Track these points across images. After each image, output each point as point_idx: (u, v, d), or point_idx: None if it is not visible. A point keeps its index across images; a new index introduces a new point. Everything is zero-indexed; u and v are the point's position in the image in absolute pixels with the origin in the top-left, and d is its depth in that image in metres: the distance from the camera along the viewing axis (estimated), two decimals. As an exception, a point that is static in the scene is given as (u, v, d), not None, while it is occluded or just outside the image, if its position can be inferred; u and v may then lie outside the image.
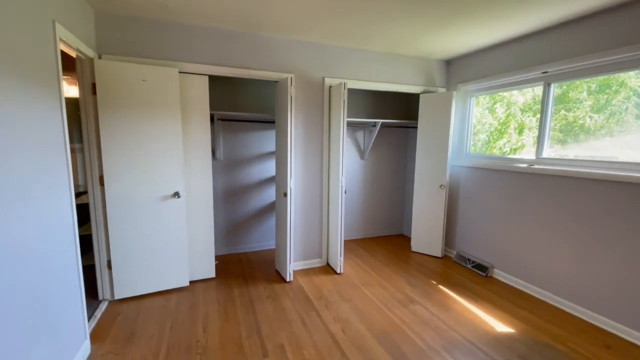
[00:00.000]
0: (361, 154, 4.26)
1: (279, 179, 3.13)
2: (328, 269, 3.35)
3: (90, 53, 2.28)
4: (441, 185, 3.60)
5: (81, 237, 2.94)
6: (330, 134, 3.28)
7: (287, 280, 3.03)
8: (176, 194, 2.68)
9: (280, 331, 2.26)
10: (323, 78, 3.18)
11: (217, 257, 3.58)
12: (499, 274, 3.17)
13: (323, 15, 2.44)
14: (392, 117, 4.30)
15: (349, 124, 4.08)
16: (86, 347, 1.99)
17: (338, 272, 3.24)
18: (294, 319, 2.41)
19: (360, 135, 4.22)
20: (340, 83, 3.01)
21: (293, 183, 3.16)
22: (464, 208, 3.57)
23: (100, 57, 2.43)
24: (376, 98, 4.22)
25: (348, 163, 4.19)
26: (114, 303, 2.58)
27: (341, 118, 3.01)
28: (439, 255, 3.72)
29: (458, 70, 3.62)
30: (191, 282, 2.95)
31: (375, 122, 3.92)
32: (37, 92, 1.59)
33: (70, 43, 1.95)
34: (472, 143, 3.60)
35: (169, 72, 2.56)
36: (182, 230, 2.76)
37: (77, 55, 2.22)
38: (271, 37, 2.92)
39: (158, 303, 2.59)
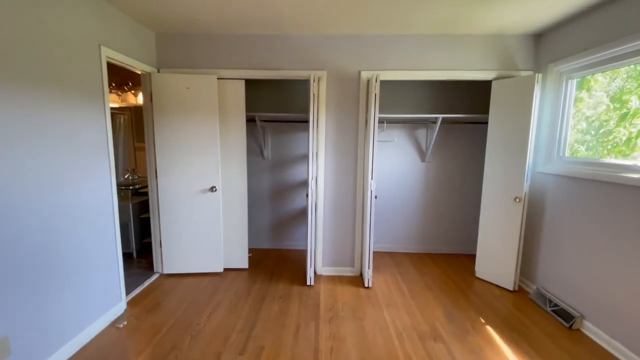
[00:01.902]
0: (422, 155, 3.71)
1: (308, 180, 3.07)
2: (358, 280, 3.07)
3: (148, 68, 2.80)
4: (516, 198, 2.76)
5: (145, 219, 3.62)
6: (367, 132, 3.00)
7: (308, 283, 2.93)
8: (212, 188, 2.99)
9: (269, 334, 2.21)
10: (359, 72, 2.93)
11: (260, 251, 3.80)
12: (590, 329, 2.21)
13: (351, 3, 2.24)
14: (461, 112, 3.57)
15: (407, 121, 3.63)
16: (121, 306, 2.45)
17: (366, 285, 2.92)
18: (290, 325, 2.32)
19: (421, 133, 3.68)
20: (373, 75, 2.70)
21: (316, 184, 3.05)
22: (550, 230, 2.64)
23: (159, 71, 2.94)
24: (439, 90, 3.59)
25: (405, 165, 3.72)
26: (163, 276, 3.08)
27: (372, 114, 2.71)
28: (510, 288, 2.87)
29: (549, 45, 2.69)
30: (225, 270, 3.23)
31: (436, 118, 3.35)
32: (87, 103, 2.06)
33: (122, 61, 2.45)
34: (568, 142, 2.62)
35: (208, 79, 2.87)
36: (217, 221, 3.05)
37: (141, 71, 2.76)
38: (300, 35, 2.89)
39: (191, 283, 2.95)
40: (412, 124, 3.66)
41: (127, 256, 3.52)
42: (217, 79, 2.93)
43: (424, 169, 3.73)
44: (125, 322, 2.31)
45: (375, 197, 2.96)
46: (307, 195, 2.86)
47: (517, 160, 2.75)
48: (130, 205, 3.43)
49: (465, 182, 3.72)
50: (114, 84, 3.62)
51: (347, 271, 3.19)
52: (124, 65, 2.51)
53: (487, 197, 3.02)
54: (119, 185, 3.81)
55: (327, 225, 3.14)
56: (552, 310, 2.46)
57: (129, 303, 2.58)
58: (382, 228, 3.82)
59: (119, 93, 3.60)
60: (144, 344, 2.08)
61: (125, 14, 2.47)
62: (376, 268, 3.35)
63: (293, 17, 2.48)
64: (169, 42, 2.92)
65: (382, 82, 3.54)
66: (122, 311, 2.45)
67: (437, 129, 3.41)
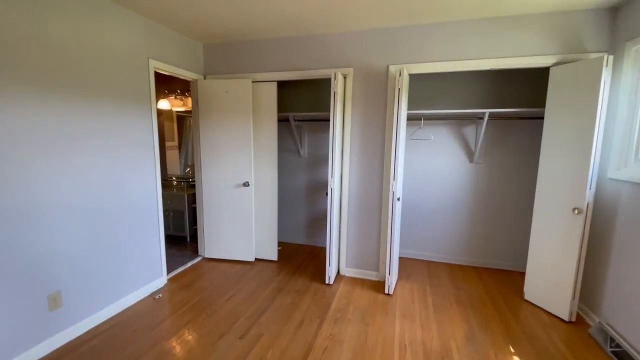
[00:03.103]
0: (470, 155, 3.31)
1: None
2: (381, 286, 2.93)
3: (195, 76, 3.19)
4: (575, 209, 2.26)
5: (195, 208, 4.06)
6: (392, 130, 2.83)
7: (326, 282, 2.93)
8: (246, 183, 3.24)
9: (273, 324, 2.30)
10: (387, 67, 2.79)
11: (293, 246, 3.93)
12: (661, 388, 1.67)
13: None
14: (522, 105, 3.06)
15: (450, 117, 3.30)
16: (162, 281, 2.87)
17: (386, 292, 2.77)
18: (295, 319, 2.37)
19: (469, 131, 3.29)
20: (398, 69, 2.55)
21: (341, 183, 3.01)
22: (621, 252, 2.09)
23: (205, 78, 3.32)
24: (492, 81, 3.14)
25: (450, 166, 3.37)
26: (204, 260, 3.47)
27: (396, 111, 2.55)
28: (565, 317, 2.36)
29: (629, 19, 2.12)
30: (256, 259, 3.45)
31: (483, 113, 2.96)
32: (143, 105, 2.49)
33: (171, 71, 2.85)
34: (653, 141, 2.03)
35: (244, 83, 3.12)
36: (250, 214, 3.29)
37: (190, 79, 3.17)
38: (326, 34, 2.89)
39: (224, 268, 3.25)
40: (459, 121, 3.30)
41: (181, 239, 4.07)
42: (252, 82, 3.16)
43: (472, 171, 3.33)
44: (160, 295, 2.70)
45: (398, 199, 2.76)
46: (326, 194, 2.86)
47: (577, 163, 2.25)
48: (186, 195, 3.96)
49: (523, 187, 3.18)
50: (178, 91, 4.22)
51: (371, 275, 3.07)
52: (172, 74, 2.92)
53: (540, 206, 2.54)
54: (179, 178, 4.42)
55: (351, 226, 3.08)
56: (612, 352, 1.94)
57: (170, 279, 3.00)
58: (419, 234, 3.55)
59: (182, 98, 4.17)
60: (167, 315, 2.40)
61: (175, 30, 2.87)
62: (405, 275, 3.14)
63: (317, 18, 2.51)
64: (213, 52, 3.27)
65: (418, 76, 3.31)
66: (162, 285, 2.87)
67: (484, 126, 3.00)
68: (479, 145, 3.15)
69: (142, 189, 2.61)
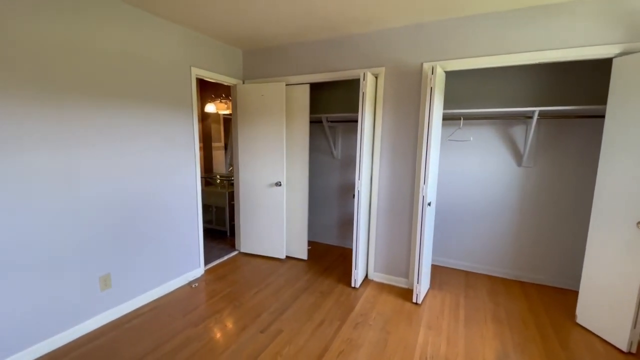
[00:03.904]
0: (518, 158, 3.01)
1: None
2: (409, 293, 2.81)
3: (235, 81, 3.39)
4: (639, 223, 1.93)
5: (233, 205, 4.28)
6: (424, 131, 2.69)
7: (352, 285, 2.90)
8: (278, 183, 3.35)
9: (293, 322, 2.35)
10: (421, 64, 2.67)
11: (325, 247, 3.95)
12: None
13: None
14: (584, 103, 2.69)
15: (495, 117, 3.04)
16: (199, 271, 3.10)
17: (414, 300, 2.65)
18: (315, 319, 2.39)
19: (517, 131, 2.99)
20: (430, 67, 2.42)
21: (370, 186, 2.94)
22: (700, 278, 1.73)
23: (243, 83, 3.51)
24: (547, 76, 2.81)
25: (494, 170, 3.10)
26: (240, 254, 3.66)
27: (427, 111, 2.43)
28: (623, 348, 2.03)
29: None
30: (287, 257, 3.55)
31: (532, 112, 2.68)
32: (185, 109, 2.74)
33: (211, 77, 3.08)
34: None
35: (278, 86, 3.23)
36: (281, 213, 3.40)
37: (230, 84, 3.38)
38: (358, 34, 2.86)
39: (257, 263, 3.40)
40: (505, 120, 3.02)
41: (222, 233, 4.35)
42: (286, 85, 3.26)
43: (521, 175, 3.02)
44: (197, 284, 2.92)
45: (429, 204, 2.60)
46: (353, 196, 2.83)
47: (645, 168, 1.92)
48: (227, 193, 4.22)
49: (579, 194, 2.80)
50: (223, 95, 4.51)
51: (400, 282, 2.96)
52: (213, 80, 3.14)
53: (598, 218, 2.21)
54: (223, 176, 4.71)
55: (381, 230, 3.00)
56: (684, 399, 1.61)
57: (207, 270, 3.23)
58: (457, 242, 3.32)
59: (227, 102, 4.46)
60: (200, 304, 2.59)
61: (216, 39, 3.08)
62: (438, 285, 2.96)
63: (350, 18, 2.51)
64: (251, 57, 3.44)
65: (458, 73, 3.10)
66: (199, 275, 3.10)
67: (533, 125, 2.71)
68: (527, 146, 2.84)
69: (183, 187, 2.86)
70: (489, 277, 3.15)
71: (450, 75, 3.14)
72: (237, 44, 3.26)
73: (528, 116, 2.85)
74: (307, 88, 3.24)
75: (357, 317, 2.44)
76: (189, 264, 2.99)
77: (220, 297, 2.69)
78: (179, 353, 2.00)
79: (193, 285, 2.90)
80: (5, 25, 1.69)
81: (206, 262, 3.34)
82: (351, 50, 2.92)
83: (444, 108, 3.17)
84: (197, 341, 2.11)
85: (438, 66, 2.42)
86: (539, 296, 2.77)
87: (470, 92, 3.10)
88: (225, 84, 3.35)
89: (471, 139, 3.13)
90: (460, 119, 3.07)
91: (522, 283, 3.02)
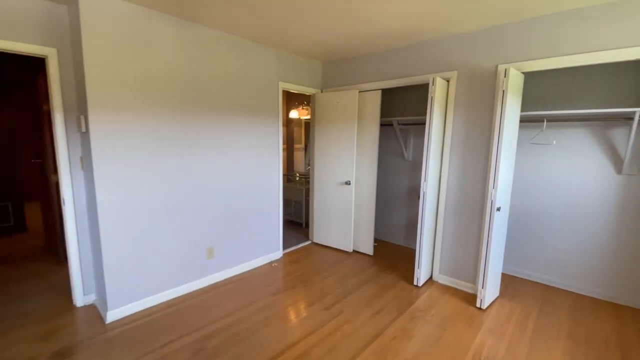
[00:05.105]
0: (618, 164, 2.66)
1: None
2: (474, 298, 2.77)
3: (314, 90, 3.83)
4: None
5: (308, 200, 4.71)
6: (496, 134, 2.62)
7: (414, 283, 3.00)
8: (347, 182, 3.65)
9: (354, 306, 2.62)
10: (496, 67, 2.62)
11: (391, 246, 4.07)
12: None
13: None
14: None
15: (588, 118, 2.75)
16: (279, 254, 3.63)
17: (477, 305, 2.62)
18: (374, 307, 2.61)
19: (616, 134, 2.65)
20: (503, 69, 2.39)
21: (438, 188, 2.98)
22: None
23: (322, 92, 3.92)
24: (664, 70, 2.41)
25: (586, 177, 2.80)
26: (312, 244, 4.09)
27: (498, 114, 2.40)
28: None
29: None
30: (354, 251, 3.81)
31: (632, 112, 2.37)
32: (273, 117, 3.30)
33: (294, 89, 3.57)
34: None
35: (351, 94, 3.54)
36: (350, 209, 3.69)
37: (310, 93, 3.84)
38: (430, 40, 2.95)
39: (326, 253, 3.76)
40: (602, 122, 2.70)
41: (299, 225, 4.87)
42: (359, 92, 3.54)
43: (621, 184, 2.66)
44: (276, 264, 3.44)
45: (498, 210, 2.51)
46: (418, 197, 2.93)
47: None
48: (304, 189, 4.71)
49: None
50: (305, 102, 5.04)
51: (466, 286, 2.93)
52: (296, 91, 3.64)
53: None
54: (301, 174, 5.24)
55: (447, 233, 3.01)
56: None
57: (285, 254, 3.74)
58: (538, 253, 3.08)
59: (308, 108, 4.96)
60: (277, 280, 3.08)
61: (300, 55, 3.56)
62: (510, 295, 2.83)
63: (423, 26, 2.66)
64: (329, 68, 3.82)
65: (540, 73, 2.89)
66: (278, 257, 3.62)
67: (634, 128, 2.38)
68: (629, 152, 2.50)
69: (268, 182, 3.40)
70: (575, 295, 2.84)
71: (533, 75, 2.95)
72: (317, 58, 3.68)
73: (629, 117, 2.50)
74: (378, 94, 3.45)
75: (415, 311, 2.56)
76: (270, 247, 3.53)
77: (294, 277, 3.14)
78: (259, 314, 2.48)
79: (273, 265, 3.42)
80: (151, 59, 2.41)
81: (284, 247, 3.86)
82: (422, 55, 3.02)
83: (525, 110, 2.99)
84: (273, 308, 2.57)
85: (512, 68, 2.37)
86: (634, 320, 2.41)
87: (557, 93, 2.86)
88: (307, 93, 3.81)
89: (554, 142, 2.88)
90: (543, 121, 2.86)
91: (616, 305, 2.65)
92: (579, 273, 2.88)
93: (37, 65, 3.51)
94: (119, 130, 2.26)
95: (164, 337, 2.18)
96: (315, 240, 4.09)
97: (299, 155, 5.46)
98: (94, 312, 2.46)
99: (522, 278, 3.18)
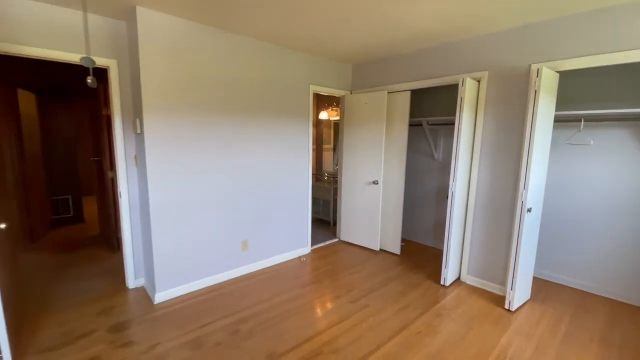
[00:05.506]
0: (664, 167, 2.52)
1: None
2: (504, 301, 2.74)
3: (343, 92, 3.95)
4: None
5: (336, 199, 4.82)
6: (531, 134, 2.58)
7: (441, 283, 3.01)
8: (375, 181, 3.73)
9: (380, 301, 2.70)
10: (529, 66, 2.59)
11: (419, 246, 4.08)
12: None
13: None
14: None
15: (631, 118, 2.62)
16: (307, 249, 3.79)
17: (506, 307, 2.59)
18: (400, 303, 2.67)
19: (663, 135, 2.51)
20: (535, 69, 2.36)
21: (468, 189, 2.97)
22: None
23: (351, 93, 4.02)
24: None
25: (627, 179, 2.67)
26: (339, 241, 4.21)
27: (530, 114, 2.38)
28: None
29: None
30: (381, 250, 3.88)
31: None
32: (303, 119, 3.47)
33: (324, 92, 3.71)
34: None
35: (380, 95, 3.61)
36: (377, 208, 3.76)
37: (339, 95, 3.97)
38: (459, 41, 2.96)
39: (353, 250, 3.86)
40: (646, 122, 2.57)
41: (327, 223, 5.00)
42: (388, 93, 3.60)
43: (667, 188, 2.52)
44: (304, 259, 3.59)
45: (529, 211, 2.46)
46: (446, 197, 2.94)
47: None
48: (332, 188, 4.84)
49: None
50: (335, 103, 5.16)
51: (494, 288, 2.90)
52: (326, 93, 3.77)
53: None
54: (330, 174, 5.37)
55: (476, 234, 3.00)
56: None
57: (313, 250, 3.88)
58: (573, 257, 2.97)
59: (337, 110, 5.09)
60: (305, 273, 3.23)
61: (330, 59, 3.70)
62: (542, 299, 2.77)
63: (452, 28, 2.70)
64: (359, 70, 3.92)
65: (580, 72, 2.80)
66: (306, 252, 3.78)
67: (683, 128, 2.25)
68: (677, 153, 2.37)
69: (298, 181, 3.57)
70: (612, 301, 2.72)
71: (570, 74, 2.86)
72: (347, 60, 3.79)
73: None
74: (407, 94, 3.50)
75: (441, 309, 2.60)
76: (299, 243, 3.70)
77: (322, 272, 3.27)
78: (288, 303, 2.64)
79: (301, 259, 3.58)
80: (196, 67, 2.66)
81: (312, 243, 4.01)
82: (452, 56, 3.04)
83: (562, 109, 2.91)
84: (302, 298, 2.72)
85: (545, 67, 2.34)
86: (684, 334, 2.28)
87: (596, 91, 2.75)
88: (336, 95, 3.94)
89: (591, 142, 2.77)
90: (581, 121, 2.77)
91: (663, 317, 2.50)
92: (617, 279, 2.75)
93: (95, 73, 3.95)
94: (168, 132, 2.53)
95: (203, 318, 2.41)
96: (343, 238, 4.20)
97: (327, 156, 5.60)
98: (144, 294, 2.75)
99: (557, 283, 3.08)
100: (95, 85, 1.60)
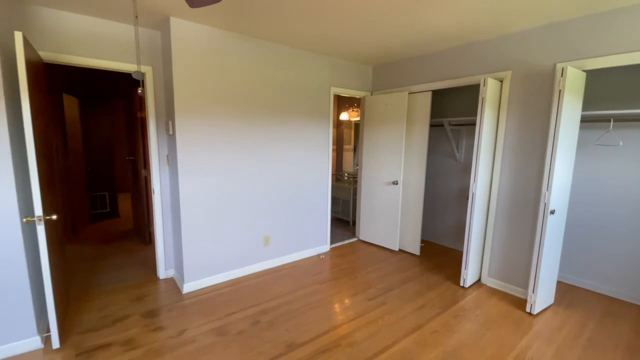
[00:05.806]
0: (703, 170, 2.39)
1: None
2: (525, 303, 2.69)
3: (364, 93, 4.00)
4: None
5: (356, 199, 4.86)
6: (555, 134, 2.52)
7: (461, 284, 3.00)
8: (395, 182, 3.75)
9: (397, 300, 2.74)
10: (554, 65, 2.54)
11: (439, 247, 4.05)
12: None
13: None
14: None
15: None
16: (326, 247, 3.87)
17: (527, 310, 2.55)
18: (417, 302, 2.69)
19: (702, 136, 2.38)
20: (560, 68, 2.32)
21: (489, 190, 2.94)
22: None
23: (372, 94, 4.07)
24: None
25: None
26: (358, 241, 4.26)
27: (554, 114, 2.34)
28: None
29: None
30: (400, 250, 3.89)
31: None
32: (324, 120, 3.57)
33: (345, 93, 3.78)
34: None
35: (401, 96, 3.64)
36: (396, 208, 3.78)
37: (360, 96, 4.03)
38: (482, 41, 2.93)
39: (371, 250, 3.90)
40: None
41: (346, 222, 5.06)
42: (409, 93, 3.62)
43: None
44: (323, 256, 3.68)
45: (552, 213, 2.40)
46: (467, 198, 2.93)
47: None
48: (352, 188, 4.90)
49: None
50: (355, 104, 5.22)
51: (516, 291, 2.85)
52: (346, 95, 3.85)
53: None
54: (350, 174, 5.43)
55: (498, 235, 2.96)
56: None
57: (332, 248, 3.96)
58: (603, 263, 2.86)
59: (358, 110, 5.14)
60: (324, 270, 3.31)
61: (351, 61, 3.77)
62: (566, 304, 2.69)
63: (476, 27, 2.70)
64: (380, 71, 3.96)
65: (609, 70, 2.70)
66: (325, 250, 3.87)
67: None
68: None
69: (318, 180, 3.67)
70: (648, 312, 2.60)
71: (599, 73, 2.77)
72: (368, 62, 3.85)
73: None
74: (428, 95, 3.50)
75: (459, 310, 2.60)
76: (319, 241, 3.79)
77: (340, 269, 3.35)
78: (308, 298, 2.74)
79: (321, 257, 3.67)
80: (225, 72, 2.82)
81: (332, 242, 4.09)
82: (474, 56, 3.02)
83: (590, 109, 2.82)
84: (320, 293, 2.81)
85: (570, 67, 2.29)
86: None
87: (626, 91, 2.64)
88: (357, 96, 4.00)
89: (620, 143, 2.66)
90: (610, 121, 2.67)
91: (700, 327, 2.37)
92: (653, 287, 2.62)
93: (131, 79, 4.24)
94: (199, 134, 2.70)
95: (228, 308, 2.56)
96: (361, 238, 4.25)
97: (348, 156, 5.66)
98: (173, 284, 2.95)
99: (583, 288, 2.98)
100: (144, 95, 1.77)
